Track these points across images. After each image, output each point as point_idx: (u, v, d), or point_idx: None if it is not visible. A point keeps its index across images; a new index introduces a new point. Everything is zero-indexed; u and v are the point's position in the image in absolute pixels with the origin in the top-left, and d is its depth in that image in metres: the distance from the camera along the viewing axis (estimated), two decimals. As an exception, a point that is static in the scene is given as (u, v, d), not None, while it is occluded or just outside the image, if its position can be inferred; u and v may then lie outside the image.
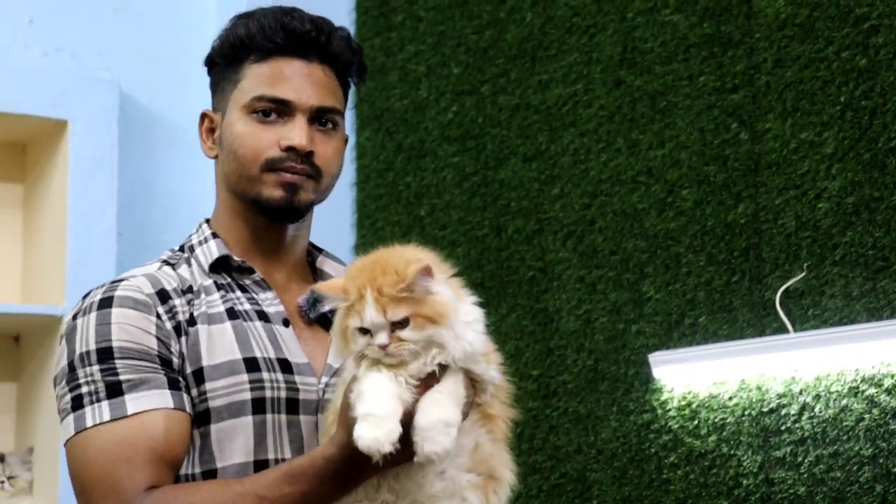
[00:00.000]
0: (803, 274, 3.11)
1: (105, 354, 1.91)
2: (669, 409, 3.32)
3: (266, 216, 2.08)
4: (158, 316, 1.95)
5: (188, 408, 1.95)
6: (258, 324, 2.02)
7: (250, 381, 1.96)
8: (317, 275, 2.18)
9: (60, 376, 1.97)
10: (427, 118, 3.99)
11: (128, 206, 3.92)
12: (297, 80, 2.05)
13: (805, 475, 3.05)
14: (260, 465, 1.93)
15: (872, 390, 2.96)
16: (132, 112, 3.99)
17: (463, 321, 1.86)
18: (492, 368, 1.91)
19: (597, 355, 3.51)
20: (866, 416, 2.96)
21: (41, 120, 3.71)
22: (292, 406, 1.97)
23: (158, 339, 1.94)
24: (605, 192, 3.56)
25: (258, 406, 1.95)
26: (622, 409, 3.43)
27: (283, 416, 1.96)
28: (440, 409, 1.77)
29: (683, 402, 3.30)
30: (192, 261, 2.08)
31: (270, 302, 2.06)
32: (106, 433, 1.89)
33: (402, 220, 4.01)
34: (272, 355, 1.99)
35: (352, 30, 3.88)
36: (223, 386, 1.95)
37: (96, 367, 1.91)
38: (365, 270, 1.83)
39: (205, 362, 1.96)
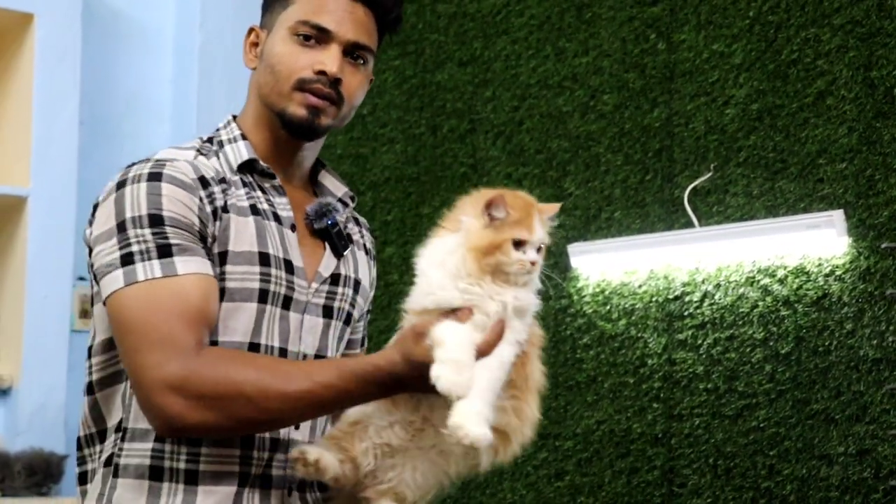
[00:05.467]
0: (710, 174, 3.17)
1: (157, 220, 1.93)
2: (585, 296, 3.39)
3: (287, 130, 2.11)
4: (200, 199, 1.98)
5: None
6: (273, 224, 2.06)
7: (261, 274, 2.00)
8: (316, 187, 2.23)
9: (105, 235, 1.95)
10: (371, 23, 3.98)
11: (90, 97, 3.92)
12: (340, 13, 2.09)
13: (703, 356, 3.14)
14: (252, 347, 1.99)
15: (766, 280, 3.04)
16: (96, 8, 3.97)
17: None
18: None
19: (521, 245, 3.56)
20: (760, 303, 3.05)
21: (7, 12, 3.69)
22: (287, 302, 2.03)
23: (200, 218, 1.96)
24: (533, 96, 3.59)
25: (262, 296, 2.00)
26: (542, 294, 3.45)
27: (278, 310, 2.02)
28: (475, 401, 1.76)
29: (598, 290, 3.37)
30: (221, 156, 2.09)
31: (283, 207, 2.10)
32: (159, 288, 1.90)
33: (346, 118, 4.01)
34: (281, 255, 2.05)
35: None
36: (240, 272, 1.99)
37: (148, 230, 1.92)
38: (519, 198, 1.88)
39: (230, 247, 1.99)
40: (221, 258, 1.98)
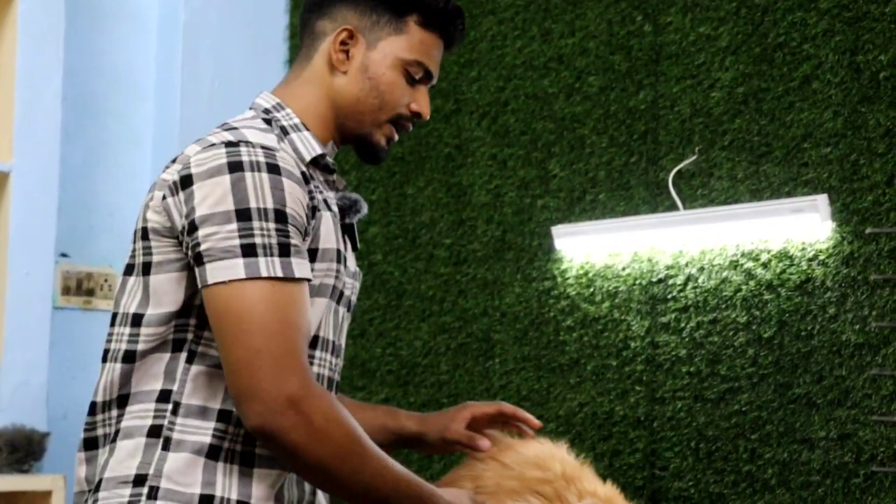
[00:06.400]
0: (695, 157, 3.15)
1: (281, 217, 1.91)
2: (568, 278, 3.37)
3: (357, 149, 2.16)
4: (306, 196, 1.97)
5: None
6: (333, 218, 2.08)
7: (336, 270, 2.03)
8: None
9: (220, 218, 1.90)
10: (357, 2, 3.96)
11: (73, 73, 3.89)
12: (439, 58, 2.19)
13: (686, 339, 3.12)
14: (313, 339, 2.01)
15: (750, 264, 3.03)
16: (79, -15, 3.94)
17: None
18: None
19: (504, 227, 3.55)
20: (743, 287, 3.03)
21: (-11, -12, 3.66)
22: (340, 297, 2.06)
23: (306, 216, 1.97)
24: (518, 77, 3.57)
25: (332, 291, 2.03)
26: (525, 276, 3.48)
27: (334, 303, 2.04)
28: None
29: (581, 272, 3.35)
30: (287, 143, 2.06)
31: (333, 202, 2.09)
32: (281, 291, 1.88)
33: (331, 97, 3.99)
34: (344, 251, 2.07)
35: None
36: (323, 268, 2.00)
37: (272, 225, 1.90)
38: None
39: (320, 245, 2.00)
40: (311, 255, 1.99)
